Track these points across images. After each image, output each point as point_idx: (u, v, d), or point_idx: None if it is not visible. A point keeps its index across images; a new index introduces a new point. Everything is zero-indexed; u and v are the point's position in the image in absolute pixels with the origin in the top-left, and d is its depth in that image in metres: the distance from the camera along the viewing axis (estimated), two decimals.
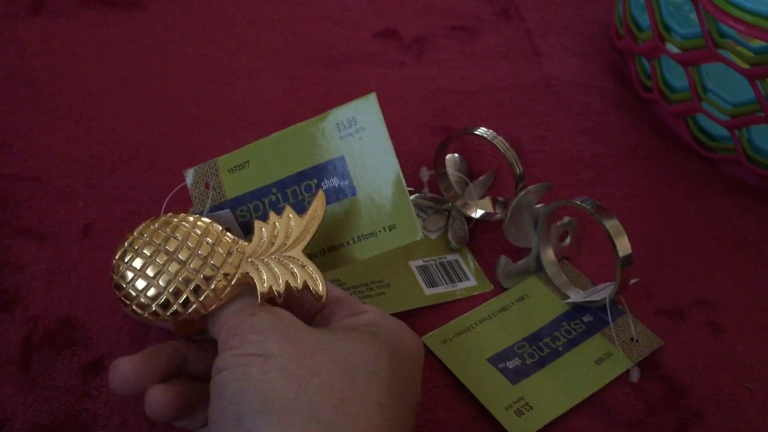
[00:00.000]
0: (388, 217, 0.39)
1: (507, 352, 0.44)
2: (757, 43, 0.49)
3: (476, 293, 0.47)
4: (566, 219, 0.48)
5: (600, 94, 0.63)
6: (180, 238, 0.34)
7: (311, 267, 0.35)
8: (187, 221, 0.35)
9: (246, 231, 0.41)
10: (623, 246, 0.42)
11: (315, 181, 0.40)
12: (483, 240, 0.50)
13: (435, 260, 0.48)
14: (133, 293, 0.34)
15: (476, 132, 0.49)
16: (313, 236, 0.36)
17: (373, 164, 0.39)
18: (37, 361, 0.40)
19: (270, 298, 0.34)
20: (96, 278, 0.44)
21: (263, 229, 0.36)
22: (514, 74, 0.64)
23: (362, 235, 0.39)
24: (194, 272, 0.34)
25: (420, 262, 0.48)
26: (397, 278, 0.47)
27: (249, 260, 0.35)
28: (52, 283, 0.43)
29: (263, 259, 0.35)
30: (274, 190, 0.40)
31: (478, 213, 0.51)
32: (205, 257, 0.34)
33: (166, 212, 0.36)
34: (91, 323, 0.42)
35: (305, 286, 0.34)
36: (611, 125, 0.60)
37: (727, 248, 0.52)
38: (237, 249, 0.35)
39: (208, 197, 0.41)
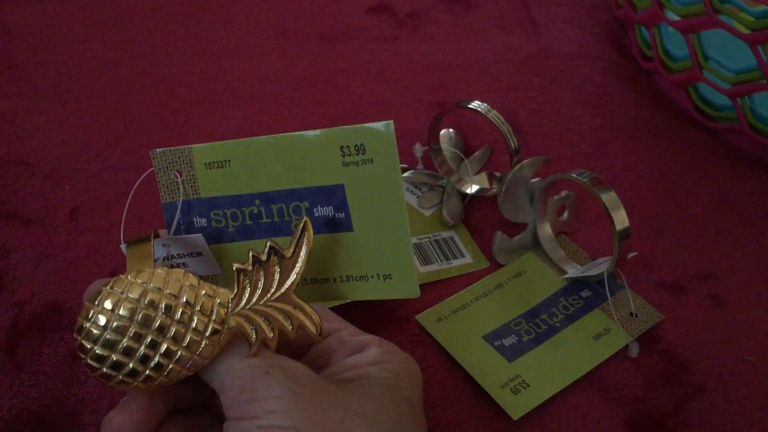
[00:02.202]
0: (384, 264, 0.35)
1: (503, 329, 0.43)
2: (759, 8, 0.47)
3: (472, 270, 0.46)
4: (564, 193, 0.47)
5: (599, 65, 0.62)
6: (154, 303, 0.31)
7: (305, 307, 0.33)
8: (159, 279, 0.31)
9: (218, 239, 0.37)
10: (620, 219, 0.41)
11: (306, 204, 0.35)
12: (478, 216, 0.49)
13: (429, 237, 0.47)
14: (95, 363, 0.31)
15: (470, 106, 0.47)
16: (302, 276, 0.33)
17: (377, 202, 0.34)
18: (24, 345, 0.40)
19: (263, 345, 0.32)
20: (83, 262, 0.43)
21: (246, 279, 0.32)
22: (511, 47, 0.62)
23: (352, 276, 0.36)
24: (172, 340, 0.31)
25: (414, 240, 0.47)
26: None
27: (235, 313, 0.32)
28: (38, 267, 0.43)
29: (251, 309, 0.32)
30: (257, 202, 0.36)
31: (473, 189, 0.49)
32: (186, 323, 0.31)
33: (135, 198, 0.34)
34: (78, 307, 0.41)
35: (301, 329, 0.32)
36: (611, 97, 0.59)
37: (729, 219, 0.50)
38: (219, 303, 0.32)
39: (179, 188, 0.36)
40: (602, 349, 0.42)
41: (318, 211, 0.35)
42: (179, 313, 0.31)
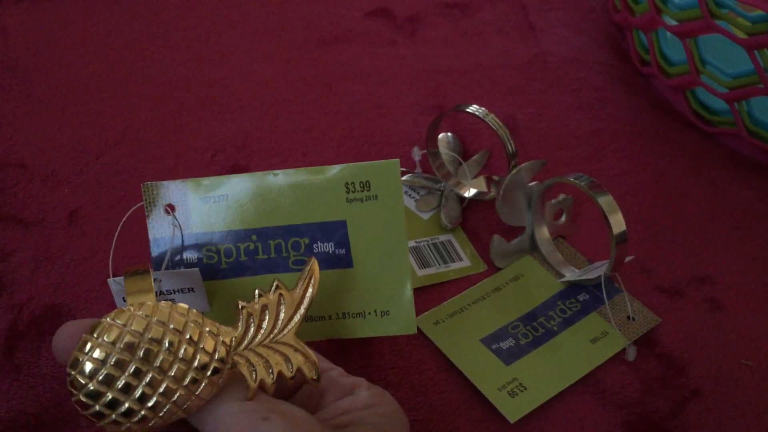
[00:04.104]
0: (382, 301, 0.36)
1: (501, 332, 0.43)
2: (756, 13, 0.48)
3: (470, 273, 0.46)
4: (561, 197, 0.48)
5: (597, 70, 0.62)
6: (156, 338, 0.30)
7: (305, 350, 0.32)
8: (163, 313, 0.30)
9: (209, 275, 0.36)
10: (617, 223, 0.41)
11: (306, 240, 0.35)
12: (476, 219, 0.49)
13: (427, 241, 0.47)
14: (88, 401, 0.29)
15: (468, 109, 0.48)
16: (305, 316, 0.33)
17: (379, 239, 0.35)
18: (22, 348, 0.40)
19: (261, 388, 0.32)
20: (82, 265, 0.43)
21: (251, 316, 0.32)
22: (509, 51, 0.62)
23: (349, 313, 0.36)
24: (172, 378, 0.30)
25: (412, 243, 0.47)
26: None
27: (236, 353, 0.31)
28: (37, 269, 0.43)
29: (252, 350, 0.32)
30: (254, 237, 0.35)
31: (471, 192, 0.50)
32: (188, 361, 0.30)
33: (122, 231, 0.32)
34: (77, 310, 0.41)
35: (299, 372, 0.32)
36: (608, 101, 0.59)
37: (726, 223, 0.51)
38: (222, 341, 0.31)
39: (171, 223, 0.36)
40: (599, 352, 0.42)
41: (318, 247, 0.35)
42: (182, 349, 0.30)
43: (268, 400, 0.31)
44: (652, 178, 0.53)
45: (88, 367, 0.29)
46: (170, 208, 0.35)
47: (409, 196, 0.50)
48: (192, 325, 0.30)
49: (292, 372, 0.32)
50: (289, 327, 0.32)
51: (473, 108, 0.47)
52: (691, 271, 0.47)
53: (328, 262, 0.35)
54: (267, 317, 0.32)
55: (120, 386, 0.29)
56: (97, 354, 0.29)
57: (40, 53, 0.55)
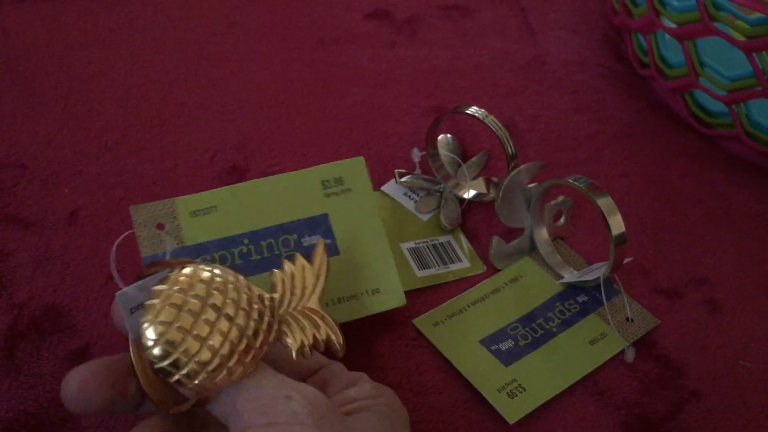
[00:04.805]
0: (371, 280, 0.38)
1: (500, 333, 0.43)
2: (755, 15, 0.48)
3: (469, 275, 0.46)
4: (560, 198, 0.48)
5: (596, 72, 0.62)
6: (223, 292, 0.30)
7: (329, 319, 0.33)
8: (217, 276, 0.31)
9: None
10: (616, 224, 0.41)
11: (294, 236, 0.38)
12: (476, 221, 0.49)
13: (427, 242, 0.48)
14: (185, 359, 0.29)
15: (467, 111, 0.48)
16: (326, 286, 0.34)
17: (358, 225, 0.38)
18: (22, 348, 0.40)
19: (302, 356, 0.32)
20: (82, 265, 0.43)
21: (284, 279, 0.33)
22: (509, 53, 0.62)
23: (343, 297, 0.38)
24: (244, 329, 0.30)
25: (411, 245, 0.47)
26: None
27: (279, 314, 0.32)
28: (37, 270, 0.43)
29: (290, 312, 0.33)
30: (246, 240, 0.37)
31: (470, 194, 0.50)
32: (250, 313, 0.30)
33: (117, 257, 0.31)
34: (76, 310, 0.41)
35: (327, 341, 0.33)
36: (607, 103, 0.59)
37: (724, 225, 0.51)
38: (270, 305, 0.32)
39: (162, 240, 0.36)
40: (598, 353, 0.42)
41: (306, 240, 0.38)
42: (244, 298, 0.30)
43: (289, 381, 0.31)
44: (650, 180, 0.53)
45: (160, 319, 0.29)
46: (160, 228, 0.36)
47: (409, 197, 0.50)
48: (245, 288, 0.31)
49: (323, 336, 0.33)
50: (317, 292, 0.34)
51: (473, 109, 0.48)
52: (690, 272, 0.47)
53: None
54: (296, 284, 0.33)
55: (195, 332, 0.29)
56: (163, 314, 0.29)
57: (40, 53, 0.55)
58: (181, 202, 0.37)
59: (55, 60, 0.55)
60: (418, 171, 0.51)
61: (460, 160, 0.52)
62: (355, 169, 0.39)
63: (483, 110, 0.48)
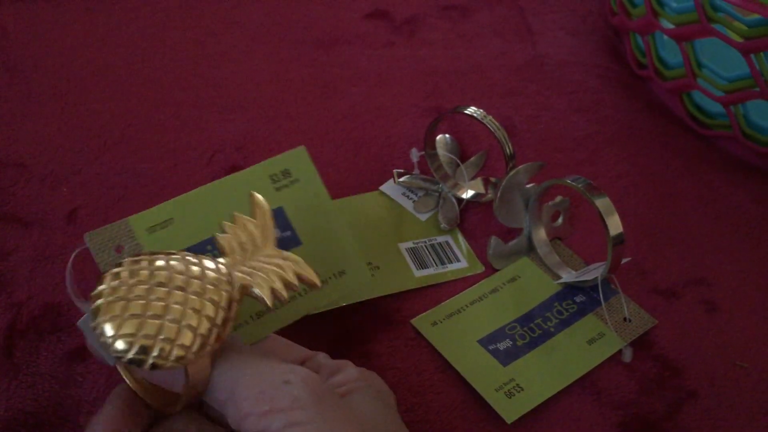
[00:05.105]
0: (335, 263, 0.39)
1: (498, 333, 0.43)
2: (752, 17, 0.48)
3: (467, 275, 0.46)
4: (558, 198, 0.48)
5: (594, 72, 0.62)
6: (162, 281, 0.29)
7: (292, 256, 0.33)
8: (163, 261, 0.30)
9: None
10: (614, 225, 0.41)
11: None
12: (474, 221, 0.49)
13: (425, 242, 0.48)
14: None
15: (466, 111, 0.48)
16: (275, 231, 0.34)
17: (313, 213, 0.39)
18: (21, 347, 0.40)
19: (278, 301, 0.32)
20: (81, 264, 0.43)
21: (229, 240, 0.32)
22: (507, 53, 0.63)
23: None
24: (202, 294, 0.29)
25: (410, 244, 0.47)
26: (387, 260, 0.46)
27: (233, 271, 0.31)
28: (36, 269, 0.43)
29: (249, 266, 0.32)
30: (209, 247, 0.37)
31: (468, 194, 0.50)
32: (203, 279, 0.30)
33: (72, 277, 0.32)
34: (75, 309, 0.41)
35: (301, 278, 0.32)
36: (605, 103, 0.59)
37: (722, 226, 0.51)
38: (223, 266, 0.31)
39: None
40: (596, 353, 0.42)
41: None
42: (192, 268, 0.30)
43: (284, 364, 0.31)
44: (648, 181, 0.53)
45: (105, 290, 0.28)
46: (118, 251, 0.36)
47: (407, 197, 0.50)
48: (185, 257, 0.30)
49: (291, 276, 0.32)
50: (268, 240, 0.33)
51: (472, 110, 0.48)
52: (687, 273, 0.48)
53: (280, 247, 0.37)
54: (244, 240, 0.33)
55: (150, 313, 0.28)
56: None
57: (39, 53, 0.55)
58: (135, 220, 0.36)
59: (55, 59, 0.55)
60: (416, 171, 0.51)
61: (458, 161, 0.52)
62: (298, 159, 0.39)
63: (482, 110, 0.48)
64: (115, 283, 0.29)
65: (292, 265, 0.32)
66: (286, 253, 0.33)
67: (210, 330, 0.29)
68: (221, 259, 0.31)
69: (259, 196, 0.34)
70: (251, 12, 0.62)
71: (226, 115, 0.54)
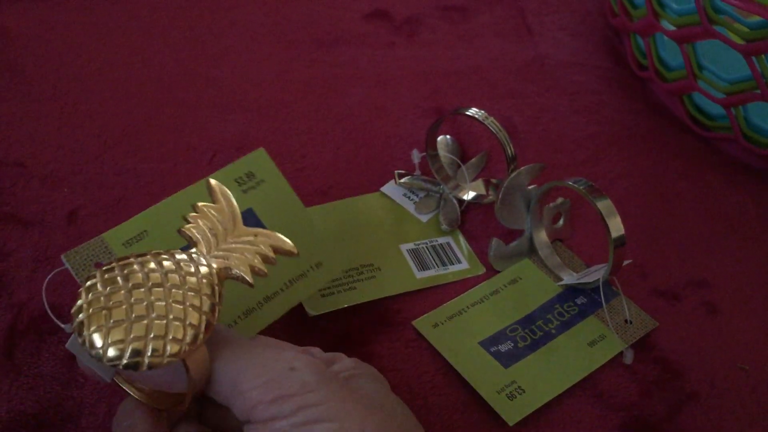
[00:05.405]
0: (311, 255, 0.40)
1: (499, 335, 0.43)
2: (754, 19, 0.48)
3: (468, 276, 0.46)
4: (559, 200, 0.48)
5: (594, 73, 0.62)
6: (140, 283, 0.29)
7: (263, 230, 0.33)
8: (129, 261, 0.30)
9: None
10: (616, 226, 0.41)
11: None
12: (475, 222, 0.49)
13: (426, 243, 0.48)
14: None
15: (467, 113, 0.48)
16: (238, 210, 0.34)
17: (283, 210, 0.40)
18: (22, 348, 0.39)
19: (258, 275, 0.32)
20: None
21: (193, 230, 0.32)
22: (507, 54, 0.63)
23: (293, 279, 0.39)
24: (181, 286, 0.29)
25: (411, 246, 0.47)
26: (388, 262, 0.46)
27: (210, 256, 0.31)
28: (37, 269, 0.43)
29: (219, 252, 0.32)
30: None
31: (470, 195, 0.50)
32: (180, 270, 0.29)
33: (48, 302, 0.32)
34: None
35: (277, 250, 0.32)
36: (606, 105, 0.59)
37: (723, 228, 0.51)
38: (192, 252, 0.31)
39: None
40: (597, 355, 0.42)
41: None
42: (167, 263, 0.29)
43: (287, 352, 0.31)
44: (648, 182, 0.53)
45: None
46: (98, 267, 0.35)
47: (408, 198, 0.50)
48: (157, 255, 0.30)
49: (266, 249, 0.32)
50: (234, 220, 0.33)
51: (473, 111, 0.48)
52: (688, 275, 0.48)
53: None
54: (210, 225, 0.32)
55: (134, 315, 0.28)
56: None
57: (39, 52, 0.55)
58: (109, 236, 0.36)
59: (55, 59, 0.55)
60: (417, 172, 0.51)
61: (459, 162, 0.52)
62: (260, 160, 0.40)
63: (483, 112, 0.48)
64: (92, 295, 0.28)
65: (266, 240, 0.33)
66: (257, 230, 0.33)
67: (199, 318, 0.29)
68: (193, 249, 0.31)
69: (215, 181, 0.34)
70: (251, 12, 0.62)
71: (226, 115, 0.54)
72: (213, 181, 0.34)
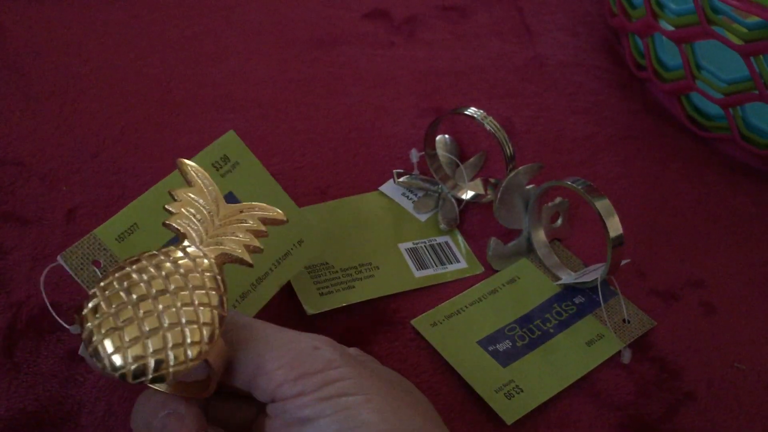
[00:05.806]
0: (292, 235, 0.41)
1: (497, 334, 0.43)
2: (752, 19, 0.48)
3: (467, 275, 0.46)
4: (558, 200, 0.48)
5: (593, 74, 0.62)
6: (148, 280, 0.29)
7: (248, 205, 0.32)
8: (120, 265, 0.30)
9: None
10: (614, 226, 0.42)
11: None
12: (473, 222, 0.49)
13: (425, 242, 0.48)
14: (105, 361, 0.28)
15: (466, 112, 0.48)
16: (218, 189, 0.33)
17: (260, 191, 0.40)
18: (21, 347, 0.40)
19: (255, 252, 0.31)
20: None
21: (178, 221, 0.31)
22: (506, 54, 0.63)
23: (278, 259, 0.40)
24: (185, 286, 0.29)
25: (409, 245, 0.47)
26: (387, 261, 0.46)
27: (204, 246, 0.31)
28: (35, 268, 0.43)
29: (211, 240, 0.31)
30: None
31: (468, 194, 0.50)
32: (178, 269, 0.29)
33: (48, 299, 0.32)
34: (75, 309, 0.41)
35: (266, 221, 0.32)
36: (604, 105, 0.59)
37: (720, 228, 0.51)
38: (185, 245, 0.31)
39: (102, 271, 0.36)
40: (595, 355, 0.42)
41: None
42: (165, 264, 0.29)
43: (306, 333, 0.31)
44: (647, 182, 0.54)
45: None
46: (97, 265, 0.36)
47: (407, 197, 0.50)
48: (150, 255, 0.30)
49: (256, 224, 0.32)
50: (218, 200, 0.32)
51: (472, 110, 0.48)
52: (686, 274, 0.48)
53: None
54: (194, 212, 0.32)
55: (147, 329, 0.28)
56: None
57: (38, 51, 0.55)
58: (101, 232, 0.36)
59: (53, 57, 0.55)
60: (416, 171, 0.51)
61: (458, 161, 0.52)
62: (232, 143, 0.40)
63: (482, 111, 0.48)
64: (100, 316, 0.28)
65: (252, 212, 0.32)
66: (241, 204, 0.33)
67: (212, 315, 0.29)
68: (186, 242, 0.31)
69: (186, 160, 0.33)
70: (251, 12, 0.62)
71: (225, 115, 0.54)
72: (185, 162, 0.33)
